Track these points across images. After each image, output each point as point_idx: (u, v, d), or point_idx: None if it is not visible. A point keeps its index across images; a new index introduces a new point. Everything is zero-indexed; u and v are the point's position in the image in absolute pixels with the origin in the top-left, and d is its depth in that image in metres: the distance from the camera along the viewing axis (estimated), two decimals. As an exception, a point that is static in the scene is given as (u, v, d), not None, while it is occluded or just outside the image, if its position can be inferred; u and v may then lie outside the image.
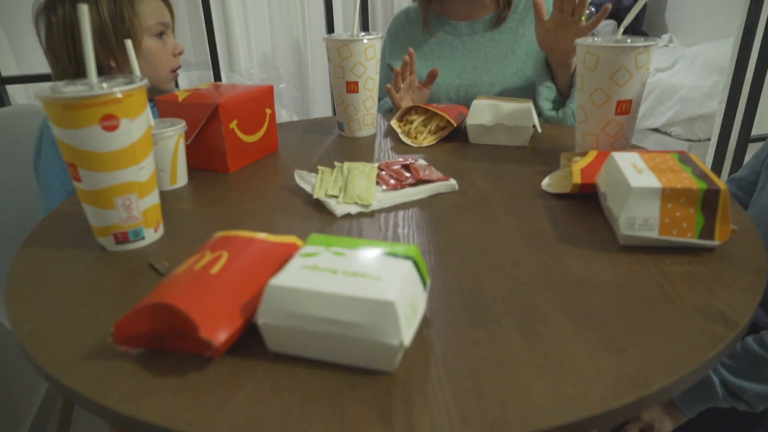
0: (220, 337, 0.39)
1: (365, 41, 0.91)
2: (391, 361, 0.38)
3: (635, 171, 0.56)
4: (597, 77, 0.72)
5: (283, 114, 2.05)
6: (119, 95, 0.53)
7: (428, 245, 0.57)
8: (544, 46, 1.01)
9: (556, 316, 0.44)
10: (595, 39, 0.75)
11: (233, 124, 0.80)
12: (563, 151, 0.78)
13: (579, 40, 0.74)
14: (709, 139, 2.43)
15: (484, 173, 0.78)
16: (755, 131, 2.05)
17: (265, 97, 0.87)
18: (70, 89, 0.53)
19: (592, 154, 0.69)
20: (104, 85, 0.54)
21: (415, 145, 0.92)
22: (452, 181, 0.71)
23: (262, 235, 0.49)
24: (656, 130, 2.70)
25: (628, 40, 0.72)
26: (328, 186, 0.70)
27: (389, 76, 1.26)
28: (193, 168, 0.83)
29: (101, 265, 0.57)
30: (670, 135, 2.62)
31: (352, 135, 0.99)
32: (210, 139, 0.80)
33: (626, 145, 0.77)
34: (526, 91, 1.15)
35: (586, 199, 0.66)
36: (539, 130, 0.89)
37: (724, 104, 2.10)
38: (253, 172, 0.83)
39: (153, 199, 0.60)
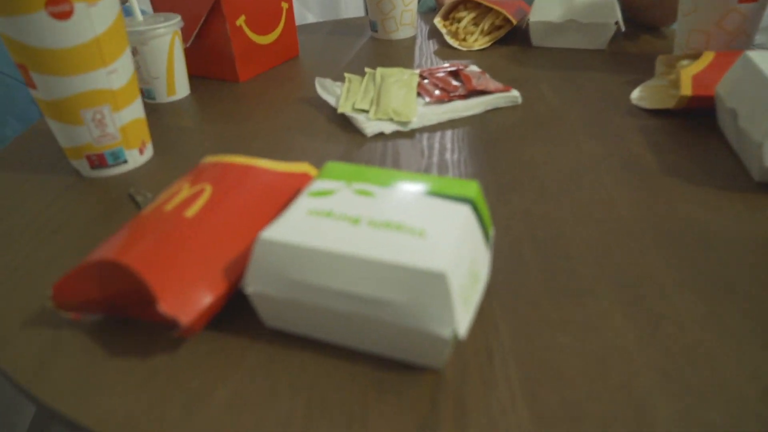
0: (189, 312, 0.27)
1: None
2: (438, 357, 0.26)
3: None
4: (721, -51, 0.53)
5: (309, 18, 1.84)
6: (69, -33, 0.39)
7: (487, 177, 0.43)
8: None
9: (679, 288, 0.31)
10: None
11: (241, 21, 0.65)
12: (660, 54, 0.60)
13: None
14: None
15: (554, 83, 0.61)
16: None
17: (280, -14, 0.71)
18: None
19: (707, 57, 0.52)
20: (50, -47, 0.40)
21: (465, 49, 0.75)
22: (514, 92, 0.56)
23: (263, 163, 0.36)
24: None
25: None
26: (357, 98, 0.56)
27: None
28: (196, 77, 0.70)
29: (73, 196, 0.45)
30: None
31: (387, 37, 0.82)
32: (214, 41, 0.66)
33: (747, 46, 0.58)
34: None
35: (695, 118, 0.50)
36: (623, 29, 0.70)
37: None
38: (267, 81, 0.68)
39: (134, 112, 0.47)
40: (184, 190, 0.33)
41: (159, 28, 0.59)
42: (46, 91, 0.42)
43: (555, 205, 0.39)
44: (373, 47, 0.80)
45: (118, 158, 0.47)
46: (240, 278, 0.30)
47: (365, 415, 0.25)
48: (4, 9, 0.39)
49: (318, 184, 0.31)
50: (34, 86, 0.43)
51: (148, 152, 0.50)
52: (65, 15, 0.40)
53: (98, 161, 0.47)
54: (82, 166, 0.47)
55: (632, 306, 0.30)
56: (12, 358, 0.29)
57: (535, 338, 0.28)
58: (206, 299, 0.28)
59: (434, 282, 0.24)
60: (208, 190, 0.33)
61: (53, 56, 0.41)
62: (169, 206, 0.31)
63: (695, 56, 0.54)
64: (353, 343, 0.28)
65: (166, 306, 0.26)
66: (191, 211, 0.31)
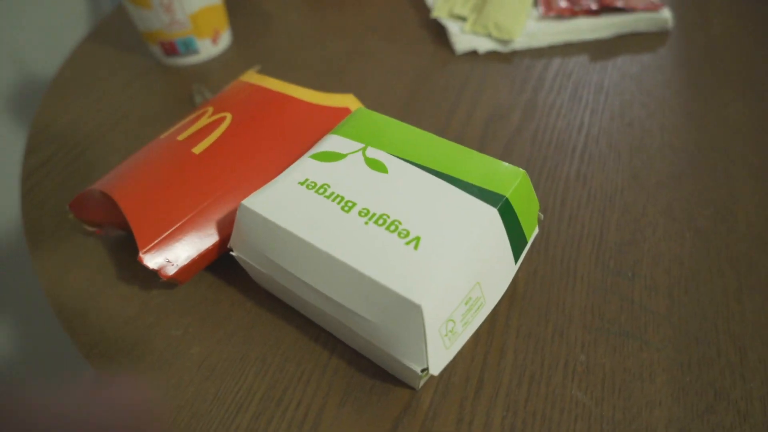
0: (172, 265, 0.26)
1: None
2: (411, 381, 0.23)
3: None
4: None
5: None
6: None
7: (575, 137, 0.34)
8: None
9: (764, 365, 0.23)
10: None
11: None
12: None
13: None
14: None
15: (731, 3, 0.46)
16: None
17: None
18: None
19: None
20: None
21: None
22: (664, 13, 0.42)
23: (300, 92, 0.31)
24: None
25: None
26: (458, 0, 0.46)
27: None
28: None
29: (147, 82, 0.45)
30: None
31: None
32: None
33: None
34: None
35: None
36: None
37: None
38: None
39: (207, -2, 0.44)
40: (204, 117, 0.30)
41: None
42: (116, -30, 0.40)
43: (648, 197, 0.30)
44: None
45: (189, 47, 0.45)
46: (233, 234, 0.27)
47: (318, 420, 0.23)
48: None
49: (329, 142, 0.26)
50: (105, -37, 0.40)
51: (224, 42, 0.47)
52: None
53: (170, 49, 0.45)
54: (157, 51, 0.46)
55: (692, 371, 0.23)
56: (44, 259, 0.31)
57: (541, 382, 0.23)
58: (193, 252, 0.26)
59: (409, 312, 0.20)
60: (227, 121, 0.29)
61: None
62: (183, 136, 0.29)
63: None
64: (333, 332, 0.25)
65: (147, 256, 0.25)
66: (201, 147, 0.28)
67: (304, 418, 0.23)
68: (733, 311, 0.24)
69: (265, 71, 0.44)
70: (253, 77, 0.33)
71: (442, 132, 0.36)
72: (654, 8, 0.42)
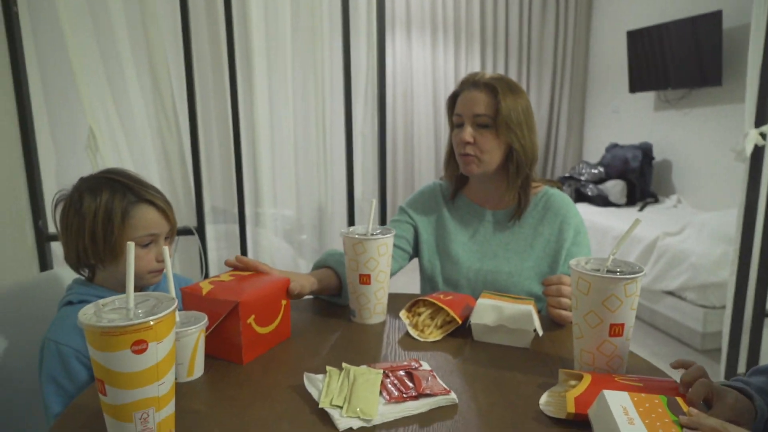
0: None
1: (379, 239, 0.99)
2: None
3: (627, 419, 0.58)
4: (590, 301, 0.77)
5: (302, 264, 2.13)
6: (151, 323, 0.59)
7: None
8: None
9: None
10: (588, 263, 0.81)
11: (251, 319, 0.87)
12: (562, 368, 0.81)
13: (572, 263, 0.81)
14: (724, 307, 2.42)
15: (486, 382, 0.81)
16: (770, 307, 2.05)
17: (281, 289, 0.94)
18: (109, 315, 0.60)
19: (586, 380, 0.72)
20: (139, 312, 0.61)
21: (422, 339, 0.96)
22: (452, 396, 0.74)
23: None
24: (670, 293, 2.71)
25: (618, 270, 0.78)
26: (334, 394, 0.74)
27: (406, 229, 1.29)
28: (208, 355, 0.88)
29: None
30: (684, 299, 2.62)
31: (362, 322, 1.04)
32: (227, 333, 0.86)
33: (622, 366, 0.80)
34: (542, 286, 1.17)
35: (584, 426, 0.68)
36: (540, 333, 0.93)
37: (735, 275, 2.13)
38: (266, 364, 0.87)
39: (169, 410, 0.64)
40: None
41: (191, 329, 0.79)
42: (112, 398, 0.60)
43: None
44: (351, 330, 1.01)
45: (151, 450, 0.62)
46: None
47: None
48: (102, 346, 0.58)
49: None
50: (105, 393, 0.60)
51: (173, 439, 0.65)
52: (142, 351, 0.59)
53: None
54: (120, 452, 0.62)
55: None
56: None
57: None
58: None
59: None
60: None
61: (126, 377, 0.59)
62: None
63: (580, 377, 0.74)
64: None
65: None
66: None
67: None
68: None
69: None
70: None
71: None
72: (447, 392, 0.74)
